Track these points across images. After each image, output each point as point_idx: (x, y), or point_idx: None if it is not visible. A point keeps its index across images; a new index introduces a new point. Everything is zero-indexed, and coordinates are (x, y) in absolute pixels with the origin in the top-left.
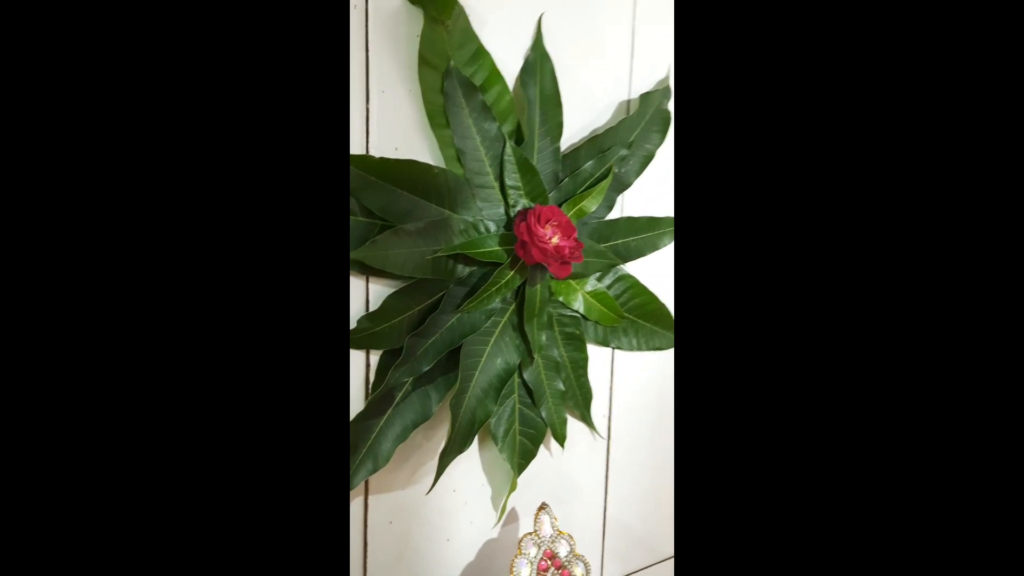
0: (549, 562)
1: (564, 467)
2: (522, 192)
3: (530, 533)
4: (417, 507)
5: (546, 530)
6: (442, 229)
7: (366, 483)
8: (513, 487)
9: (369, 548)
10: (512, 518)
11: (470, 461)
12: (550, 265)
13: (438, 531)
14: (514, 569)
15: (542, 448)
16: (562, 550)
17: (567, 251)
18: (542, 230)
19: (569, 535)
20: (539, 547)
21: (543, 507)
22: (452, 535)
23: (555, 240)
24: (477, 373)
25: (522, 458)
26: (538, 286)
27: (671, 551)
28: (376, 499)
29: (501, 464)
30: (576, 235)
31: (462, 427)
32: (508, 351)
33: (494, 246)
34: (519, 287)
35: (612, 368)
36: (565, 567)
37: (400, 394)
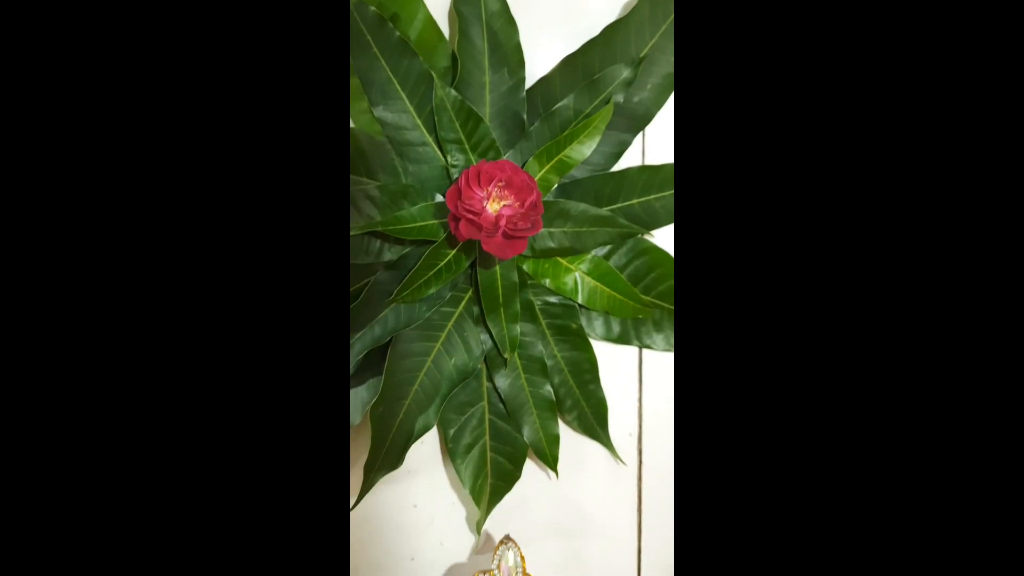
0: None
1: (572, 493)
2: (464, 146)
3: (485, 572)
4: (365, 521)
5: (506, 569)
6: (357, 202)
7: None
8: (482, 519)
9: None
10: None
11: (432, 474)
12: (484, 242)
13: (400, 549)
14: None
15: (544, 469)
16: None
17: (504, 221)
18: (478, 193)
19: None
20: None
21: (505, 541)
22: (417, 555)
23: (493, 207)
24: (422, 375)
25: (498, 479)
26: (496, 268)
27: None
28: None
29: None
30: (537, 197)
31: (397, 441)
32: (463, 350)
33: (426, 219)
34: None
35: (640, 373)
36: None
37: None
